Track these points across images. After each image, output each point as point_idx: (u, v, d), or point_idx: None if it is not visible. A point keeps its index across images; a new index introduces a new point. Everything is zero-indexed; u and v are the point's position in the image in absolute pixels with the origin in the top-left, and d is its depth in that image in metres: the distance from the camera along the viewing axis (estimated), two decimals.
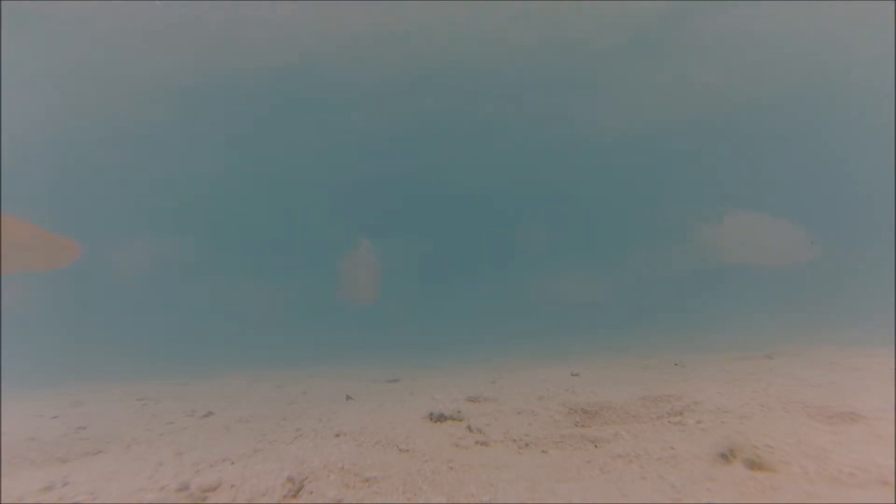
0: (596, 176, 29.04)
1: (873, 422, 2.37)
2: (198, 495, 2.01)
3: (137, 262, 21.74)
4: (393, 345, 14.30)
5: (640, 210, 31.06)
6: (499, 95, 18.47)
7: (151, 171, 22.46)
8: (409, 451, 2.51)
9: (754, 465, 1.90)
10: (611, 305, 21.90)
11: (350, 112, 19.11)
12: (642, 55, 15.74)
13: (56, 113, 16.92)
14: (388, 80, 16.89)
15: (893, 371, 3.72)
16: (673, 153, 25.52)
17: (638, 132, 21.74)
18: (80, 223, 25.06)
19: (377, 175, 25.99)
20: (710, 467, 1.97)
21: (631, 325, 15.50)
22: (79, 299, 25.37)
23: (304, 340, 18.51)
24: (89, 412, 4.91)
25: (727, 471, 1.90)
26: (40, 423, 4.28)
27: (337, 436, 2.88)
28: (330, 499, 1.91)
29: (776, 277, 19.36)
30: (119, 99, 16.59)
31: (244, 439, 3.13)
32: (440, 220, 32.45)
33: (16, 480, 2.42)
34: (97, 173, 22.32)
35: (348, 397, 4.82)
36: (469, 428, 2.92)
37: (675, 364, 5.52)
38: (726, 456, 2.01)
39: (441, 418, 3.16)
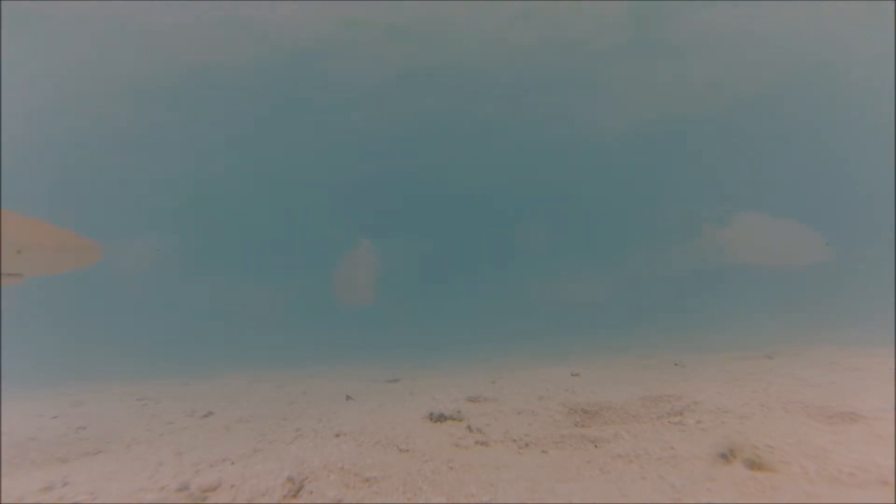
0: (596, 176, 29.03)
1: (873, 422, 2.37)
2: (198, 495, 2.01)
3: (138, 262, 21.72)
4: (393, 345, 14.30)
5: (640, 210, 31.05)
6: (499, 95, 18.47)
7: (151, 171, 22.45)
8: (409, 451, 2.51)
9: (754, 465, 1.90)
10: (611, 305, 21.90)
11: (350, 112, 19.11)
12: (642, 55, 15.74)
13: (56, 113, 16.91)
14: (389, 80, 16.89)
15: (893, 371, 3.72)
16: (673, 153, 25.52)
17: (638, 132, 21.74)
18: (80, 223, 25.06)
19: (377, 175, 25.99)
20: (710, 467, 1.97)
21: (631, 325, 15.49)
22: (79, 299, 25.37)
23: (304, 340, 18.50)
24: (89, 412, 4.91)
25: (727, 471, 1.90)
26: (40, 423, 4.28)
27: (337, 436, 2.88)
28: (330, 499, 1.91)
29: (776, 277, 19.35)
30: (119, 99, 16.58)
31: (244, 439, 3.13)
32: (440, 220, 32.44)
33: (16, 480, 2.42)
34: (97, 173, 22.31)
35: (348, 397, 4.82)
36: (469, 428, 2.92)
37: (675, 364, 5.52)
38: (726, 456, 2.01)
39: (441, 418, 3.16)
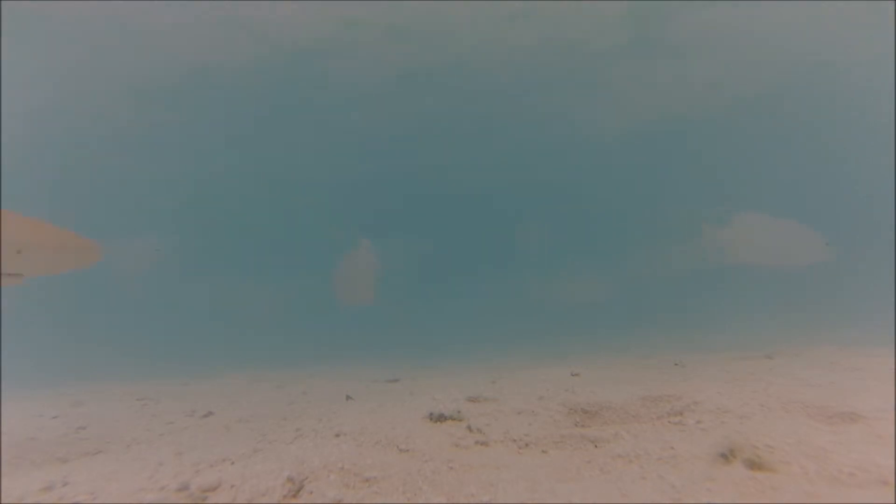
0: (596, 176, 29.03)
1: (873, 422, 2.37)
2: (198, 495, 2.01)
3: (138, 262, 21.72)
4: (393, 345, 14.29)
5: (640, 210, 31.05)
6: (499, 95, 18.46)
7: (151, 171, 22.45)
8: (409, 451, 2.51)
9: (754, 465, 1.90)
10: (611, 305, 21.89)
11: (350, 112, 19.11)
12: (642, 55, 15.74)
13: (56, 113, 16.91)
14: (389, 80, 16.89)
15: (893, 371, 3.72)
16: (673, 153, 25.52)
17: (638, 132, 21.74)
18: (80, 223, 25.05)
19: (377, 175, 25.99)
20: (710, 467, 1.97)
21: (631, 325, 15.49)
22: (79, 299, 25.37)
23: (304, 340, 18.50)
24: (89, 412, 4.91)
25: (727, 471, 1.90)
26: (40, 423, 4.28)
27: (337, 436, 2.88)
28: (330, 499, 1.91)
29: (776, 277, 19.35)
30: (119, 99, 16.58)
31: (244, 439, 3.13)
32: (440, 220, 32.44)
33: (16, 480, 2.42)
34: (97, 173, 22.31)
35: (348, 397, 4.82)
36: (469, 428, 2.92)
37: (675, 364, 5.52)
38: (726, 456, 2.01)
39: (441, 418, 3.16)
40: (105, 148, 19.89)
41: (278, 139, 21.12)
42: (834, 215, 25.22)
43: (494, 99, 18.73)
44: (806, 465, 1.86)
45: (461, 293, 30.99)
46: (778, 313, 14.17)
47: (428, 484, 2.03)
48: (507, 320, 21.05)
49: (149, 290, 26.34)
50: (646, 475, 1.96)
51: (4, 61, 13.15)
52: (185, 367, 10.95)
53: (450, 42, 14.82)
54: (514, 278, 30.10)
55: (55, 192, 23.17)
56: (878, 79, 17.60)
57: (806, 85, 18.50)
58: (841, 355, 5.02)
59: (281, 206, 28.87)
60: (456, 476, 2.12)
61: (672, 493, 1.75)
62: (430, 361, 9.70)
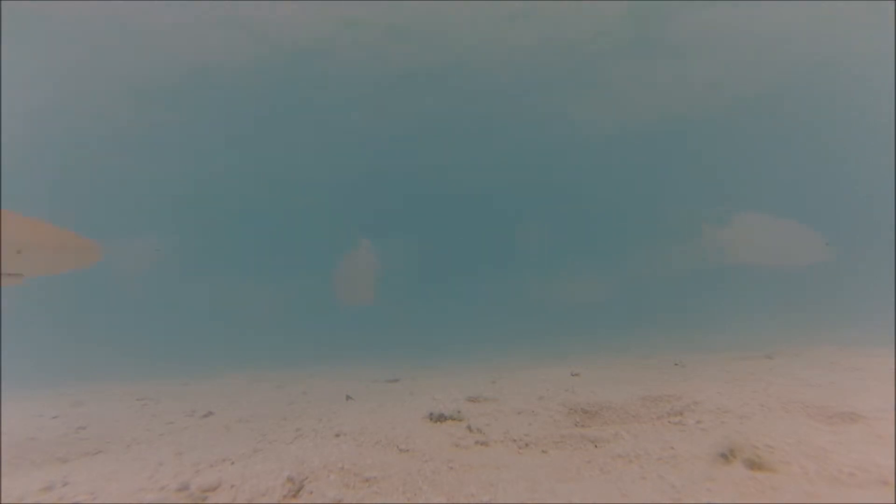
0: (596, 176, 29.03)
1: (873, 422, 2.37)
2: (198, 495, 2.01)
3: (138, 262, 21.73)
4: (393, 345, 14.30)
5: (640, 210, 31.07)
6: (499, 95, 18.46)
7: (151, 171, 22.46)
8: (409, 451, 2.51)
9: (754, 465, 1.90)
10: (611, 305, 21.90)
11: (350, 112, 19.11)
12: (642, 55, 15.73)
13: (56, 113, 16.91)
14: (389, 80, 16.89)
15: (893, 371, 3.72)
16: (673, 153, 25.52)
17: (638, 132, 21.74)
18: (80, 223, 25.05)
19: (377, 175, 25.99)
20: (710, 467, 1.97)
21: (631, 325, 15.49)
22: (79, 299, 25.38)
23: (304, 340, 18.50)
24: (89, 412, 4.91)
25: (727, 471, 1.90)
26: (40, 423, 4.28)
27: (337, 436, 2.88)
28: (330, 499, 1.91)
29: (776, 277, 19.36)
30: (119, 99, 16.58)
31: (244, 439, 3.13)
32: (440, 220, 32.46)
33: (16, 480, 2.42)
34: (97, 173, 22.31)
35: (348, 397, 4.82)
36: (469, 428, 2.91)
37: (675, 364, 5.52)
38: (726, 456, 2.01)
39: (441, 418, 3.16)
40: (105, 148, 19.89)
41: (278, 139, 21.12)
42: (834, 215, 25.23)
43: (494, 99, 18.72)
44: (806, 465, 1.86)
45: (461, 293, 31.02)
46: (778, 313, 14.17)
47: (428, 484, 2.03)
48: (507, 320, 21.06)
49: (149, 290, 26.36)
50: (646, 475, 1.96)
51: (4, 61, 13.15)
52: (185, 367, 10.96)
53: (450, 42, 14.82)
54: (514, 278, 30.12)
55: (55, 192, 23.18)
56: (877, 79, 17.61)
57: (806, 85, 18.50)
58: (841, 355, 5.02)
59: (281, 206, 28.88)
60: (456, 476, 2.12)
61: (672, 493, 1.75)
62: (430, 361, 9.70)
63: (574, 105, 19.20)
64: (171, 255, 27.65)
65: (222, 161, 22.66)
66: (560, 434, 2.70)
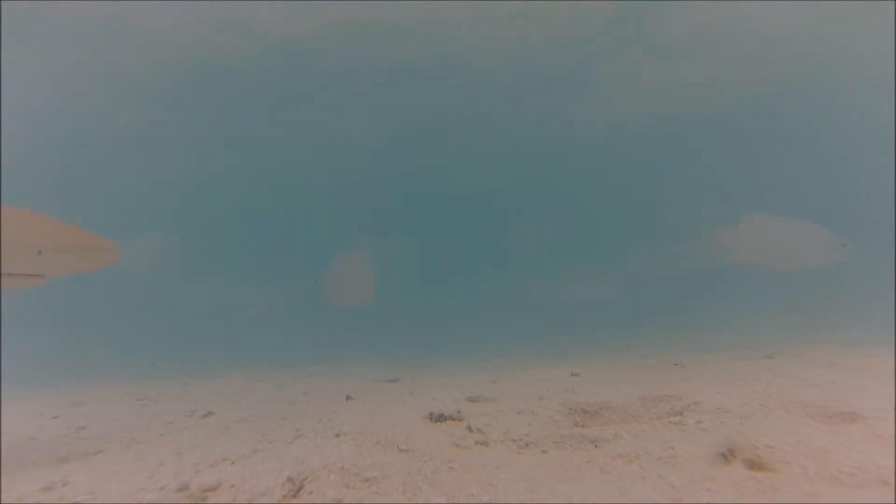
0: (596, 176, 29.04)
1: (873, 422, 2.37)
2: (198, 495, 2.00)
3: (138, 262, 21.73)
4: (393, 345, 14.30)
5: (640, 210, 31.08)
6: (499, 95, 18.47)
7: (151, 171, 22.46)
8: (409, 451, 2.51)
9: (754, 465, 1.90)
10: (611, 305, 21.86)
11: (350, 112, 19.11)
12: (642, 55, 15.74)
13: (56, 113, 16.91)
14: (388, 80, 16.90)
15: (893, 371, 3.72)
16: (673, 153, 25.53)
17: (638, 132, 21.74)
18: (80, 223, 24.97)
19: (377, 175, 26.00)
20: (710, 467, 1.97)
21: (631, 325, 15.50)
22: (79, 299, 25.37)
23: (304, 340, 18.50)
24: (89, 412, 4.91)
25: (727, 471, 1.90)
26: (40, 423, 4.28)
27: (337, 436, 2.88)
28: (330, 499, 1.91)
29: (776, 277, 19.33)
30: (119, 99, 16.58)
31: (244, 439, 3.13)
32: (440, 219, 32.47)
33: (16, 480, 2.42)
34: (97, 173, 22.31)
35: (348, 397, 4.82)
36: (469, 428, 2.91)
37: (675, 364, 5.52)
38: (726, 456, 2.01)
39: (441, 418, 3.16)
40: (105, 148, 19.89)
41: (278, 139, 21.12)
42: (834, 215, 25.21)
43: (494, 99, 18.73)
44: (806, 465, 1.86)
45: (461, 293, 31.03)
46: (778, 313, 14.17)
47: (428, 484, 2.03)
48: (507, 320, 21.06)
49: (149, 290, 26.34)
50: (646, 475, 1.96)
51: (4, 61, 13.16)
52: (185, 367, 10.96)
53: (450, 42, 14.82)
54: (513, 278, 30.11)
55: (55, 192, 23.18)
56: (878, 79, 17.60)
57: (806, 85, 18.51)
58: (841, 355, 5.02)
59: (281, 206, 28.89)
60: (456, 476, 2.12)
61: (672, 493, 1.75)
62: (430, 361, 9.70)
63: (574, 105, 19.21)
64: (171, 255, 27.65)
65: (222, 161, 22.67)
66: (560, 434, 2.70)
